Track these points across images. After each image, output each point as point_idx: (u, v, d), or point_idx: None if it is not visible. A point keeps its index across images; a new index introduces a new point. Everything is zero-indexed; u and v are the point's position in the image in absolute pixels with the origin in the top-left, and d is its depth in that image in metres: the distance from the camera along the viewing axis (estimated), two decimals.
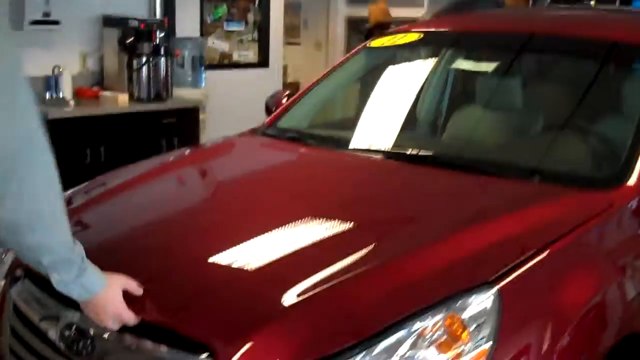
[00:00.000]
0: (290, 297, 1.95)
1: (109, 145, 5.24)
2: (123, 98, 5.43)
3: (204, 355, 1.87)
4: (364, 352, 1.83)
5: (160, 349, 1.93)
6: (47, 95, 5.37)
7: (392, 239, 2.25)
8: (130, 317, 1.98)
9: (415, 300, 1.93)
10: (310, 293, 1.95)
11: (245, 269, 2.14)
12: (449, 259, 2.07)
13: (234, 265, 2.17)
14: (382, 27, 7.89)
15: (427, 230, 2.28)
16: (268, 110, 3.70)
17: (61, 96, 5.37)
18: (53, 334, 2.13)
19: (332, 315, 1.91)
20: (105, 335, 2.02)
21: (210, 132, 6.13)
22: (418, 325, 1.87)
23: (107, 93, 5.54)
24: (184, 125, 5.71)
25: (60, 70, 5.41)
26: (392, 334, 1.85)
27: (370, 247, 2.18)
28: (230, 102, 6.75)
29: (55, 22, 5.46)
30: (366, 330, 1.85)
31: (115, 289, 1.98)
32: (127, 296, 2.00)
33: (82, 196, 2.86)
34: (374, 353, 1.83)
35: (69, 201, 2.84)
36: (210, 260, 2.19)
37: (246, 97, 6.88)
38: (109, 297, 1.95)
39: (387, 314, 1.89)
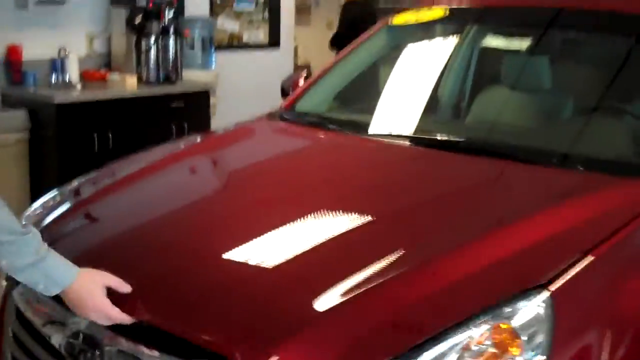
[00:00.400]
0: (319, 304, 1.76)
1: (118, 130, 5.05)
2: (131, 81, 5.23)
3: None
4: None
5: None
6: (53, 79, 5.19)
7: (428, 237, 2.05)
8: (117, 315, 1.84)
9: (458, 307, 1.73)
10: (342, 299, 1.76)
11: (267, 268, 1.95)
12: (493, 260, 1.86)
13: (255, 264, 1.98)
14: (358, 4, 7.73)
15: (467, 226, 2.08)
16: (284, 93, 3.50)
17: (67, 79, 5.18)
18: (57, 340, 1.96)
19: (366, 325, 1.71)
20: (115, 346, 1.84)
21: (221, 116, 5.94)
22: (462, 336, 1.67)
23: (115, 75, 5.34)
24: (194, 109, 5.50)
25: (67, 52, 5.22)
26: (433, 347, 1.65)
27: (404, 245, 1.99)
28: (241, 85, 6.56)
29: (61, 2, 5.29)
30: (404, 343, 1.65)
31: (94, 284, 1.86)
32: (132, 298, 1.88)
33: (90, 187, 2.67)
34: None
35: (77, 191, 2.66)
36: (229, 257, 2.00)
37: (257, 80, 6.69)
38: (84, 291, 1.84)
39: (427, 324, 1.69)
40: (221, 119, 5.82)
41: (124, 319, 1.85)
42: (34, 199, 5.01)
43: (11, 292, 2.19)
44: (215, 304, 1.84)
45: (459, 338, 1.67)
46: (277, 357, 1.66)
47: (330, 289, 1.79)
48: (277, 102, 3.41)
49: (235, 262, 2.00)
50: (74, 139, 4.92)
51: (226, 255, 2.01)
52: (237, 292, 1.88)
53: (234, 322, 1.78)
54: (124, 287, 1.89)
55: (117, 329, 1.86)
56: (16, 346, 2.11)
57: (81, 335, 1.89)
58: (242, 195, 2.44)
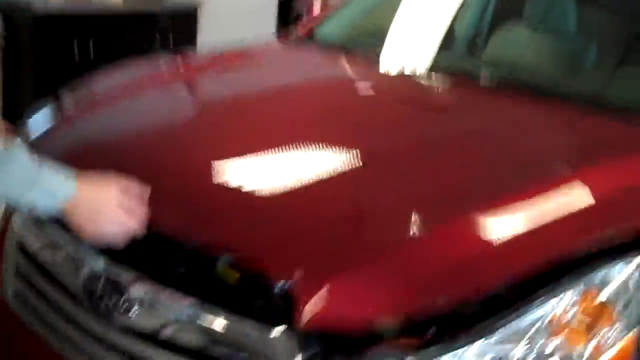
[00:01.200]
0: (382, 234, 1.55)
1: (99, 40, 4.71)
2: None
3: (281, 327, 1.47)
4: (482, 339, 1.43)
5: (220, 317, 1.52)
6: None
7: (488, 184, 1.76)
8: (136, 224, 1.57)
9: (539, 274, 1.50)
10: (409, 234, 1.54)
11: (312, 190, 1.71)
12: (574, 214, 1.63)
13: (303, 186, 1.72)
14: None
15: (534, 174, 1.80)
16: (297, 18, 3.24)
17: None
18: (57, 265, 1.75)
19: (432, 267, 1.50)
20: (143, 291, 1.60)
21: (207, 32, 5.61)
22: (545, 307, 1.47)
23: None
24: (181, 24, 5.17)
25: None
26: (513, 319, 1.45)
27: (463, 196, 1.71)
28: (227, 3, 6.21)
29: None
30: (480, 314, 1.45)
31: (111, 190, 1.57)
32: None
33: (83, 97, 2.37)
34: (492, 340, 1.44)
35: (68, 102, 2.35)
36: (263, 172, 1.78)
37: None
38: (102, 198, 1.55)
39: (505, 295, 1.48)
40: (207, 35, 5.50)
41: (141, 229, 1.58)
42: (6, 107, 4.70)
43: (12, 218, 1.94)
44: (257, 221, 1.61)
45: (542, 309, 1.47)
46: (332, 286, 1.45)
47: (394, 220, 1.58)
48: (264, 20, 3.12)
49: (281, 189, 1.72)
50: (52, 47, 4.57)
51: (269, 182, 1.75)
52: (283, 207, 1.65)
53: (279, 244, 1.55)
54: (144, 192, 1.59)
55: (144, 271, 1.62)
56: (20, 279, 1.87)
57: (102, 278, 1.65)
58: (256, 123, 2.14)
